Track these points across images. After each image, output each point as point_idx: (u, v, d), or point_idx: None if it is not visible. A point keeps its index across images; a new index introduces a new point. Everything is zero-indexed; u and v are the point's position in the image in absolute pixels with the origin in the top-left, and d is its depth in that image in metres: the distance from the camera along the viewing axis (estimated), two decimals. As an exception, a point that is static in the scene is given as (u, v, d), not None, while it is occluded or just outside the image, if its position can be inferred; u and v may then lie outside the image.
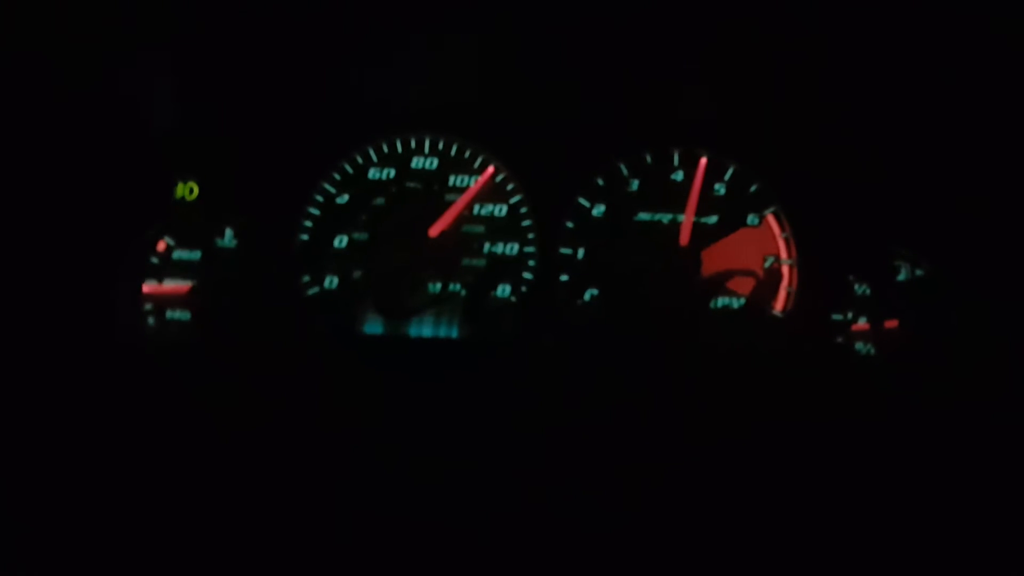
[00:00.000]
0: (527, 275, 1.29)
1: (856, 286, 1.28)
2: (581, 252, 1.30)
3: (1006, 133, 1.22)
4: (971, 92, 1.21)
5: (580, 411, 1.16)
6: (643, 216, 1.31)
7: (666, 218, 1.30)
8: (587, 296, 1.29)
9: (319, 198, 1.30)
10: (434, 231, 1.29)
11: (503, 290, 1.29)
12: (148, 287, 1.27)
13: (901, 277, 1.28)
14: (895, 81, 1.21)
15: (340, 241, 1.29)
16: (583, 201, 1.31)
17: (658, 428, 1.15)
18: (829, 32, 1.18)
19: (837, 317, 1.27)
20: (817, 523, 1.05)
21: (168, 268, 1.28)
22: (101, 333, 1.22)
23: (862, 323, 1.27)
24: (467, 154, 1.32)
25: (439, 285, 1.28)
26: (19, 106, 1.15)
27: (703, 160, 1.30)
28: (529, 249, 1.30)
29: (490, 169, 1.31)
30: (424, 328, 1.26)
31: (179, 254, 1.28)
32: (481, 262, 1.29)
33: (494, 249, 1.30)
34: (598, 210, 1.31)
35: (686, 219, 1.29)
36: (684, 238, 1.29)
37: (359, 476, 1.07)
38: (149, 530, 1.01)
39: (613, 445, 1.13)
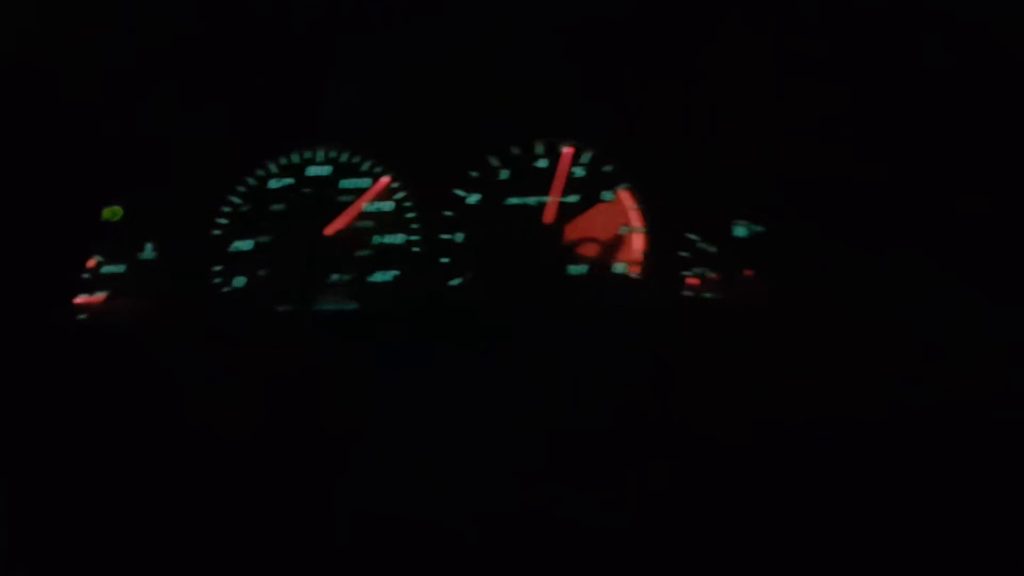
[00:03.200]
0: (411, 261, 1.47)
1: (701, 245, 1.44)
2: (460, 237, 1.48)
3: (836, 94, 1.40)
4: (798, 57, 1.39)
5: (462, 374, 1.31)
6: (513, 201, 1.48)
7: (533, 201, 1.48)
8: (466, 274, 1.46)
9: (226, 209, 1.48)
10: (330, 230, 1.47)
11: (387, 275, 1.46)
12: (81, 299, 1.45)
13: (742, 234, 1.45)
14: (725, 59, 1.41)
15: (246, 245, 1.47)
16: (459, 192, 1.49)
17: (522, 386, 1.29)
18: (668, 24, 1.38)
19: (686, 274, 1.43)
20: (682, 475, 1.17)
21: (98, 282, 1.45)
22: (38, 345, 1.39)
23: (710, 277, 1.43)
24: (355, 161, 1.51)
25: (336, 276, 1.45)
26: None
27: (567, 150, 1.48)
28: (414, 238, 1.48)
29: (386, 179, 1.49)
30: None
31: (107, 268, 1.46)
32: (370, 252, 1.47)
33: (383, 240, 1.48)
34: (473, 199, 1.49)
35: (551, 200, 1.47)
36: (549, 217, 1.46)
37: (290, 460, 1.22)
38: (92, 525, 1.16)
39: (489, 411, 1.27)
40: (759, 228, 1.45)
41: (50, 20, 1.31)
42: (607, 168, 1.49)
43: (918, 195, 1.35)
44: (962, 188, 1.31)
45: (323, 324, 1.42)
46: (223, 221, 1.48)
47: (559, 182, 1.47)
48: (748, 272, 1.43)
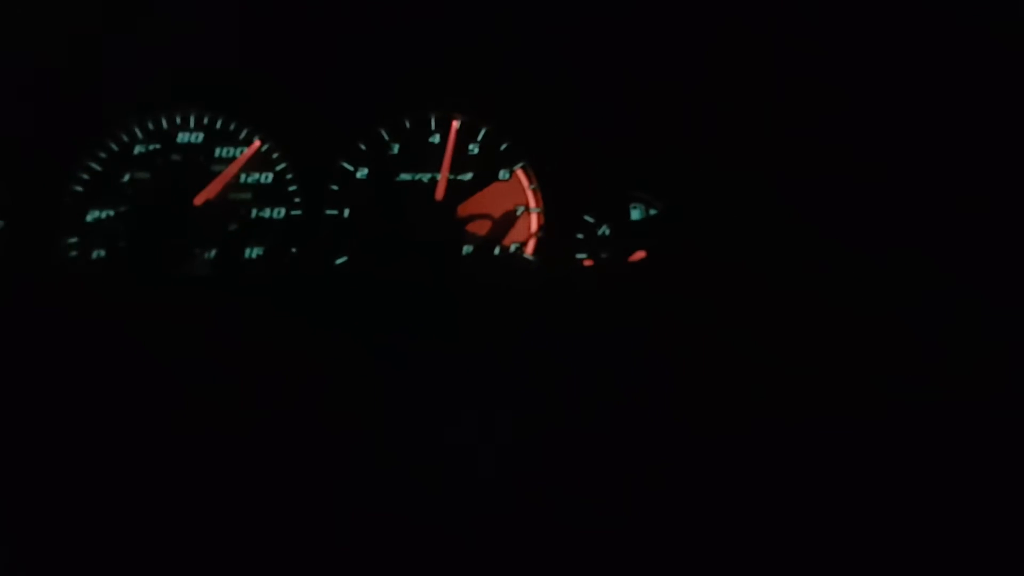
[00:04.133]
0: (292, 235, 1.37)
1: (598, 228, 1.41)
2: (347, 212, 1.39)
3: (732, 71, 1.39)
4: (699, 41, 1.37)
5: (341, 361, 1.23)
6: (404, 176, 1.41)
7: (425, 177, 1.41)
8: (353, 252, 1.37)
9: (83, 175, 1.33)
10: (199, 200, 1.35)
11: (254, 252, 1.35)
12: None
13: (637, 216, 1.42)
14: (621, 36, 1.37)
15: (105, 214, 1.33)
16: (347, 165, 1.40)
17: (410, 368, 1.23)
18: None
19: (581, 255, 1.40)
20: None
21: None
22: None
23: (605, 258, 1.40)
24: (232, 127, 1.39)
25: (211, 252, 1.34)
26: None
27: (455, 123, 1.41)
28: (296, 212, 1.38)
29: (256, 143, 1.38)
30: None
31: (-55, 238, 1.30)
32: (244, 226, 1.36)
33: (261, 214, 1.37)
34: (361, 173, 1.40)
35: (442, 176, 1.40)
36: (440, 194, 1.39)
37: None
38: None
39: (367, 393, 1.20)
40: (654, 211, 1.43)
41: None
42: (503, 145, 1.43)
43: (817, 172, 1.36)
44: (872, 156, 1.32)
45: (187, 294, 1.30)
46: (78, 188, 1.33)
47: (448, 157, 1.40)
48: (640, 254, 1.41)
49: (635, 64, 1.42)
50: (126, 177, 1.35)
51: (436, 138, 1.43)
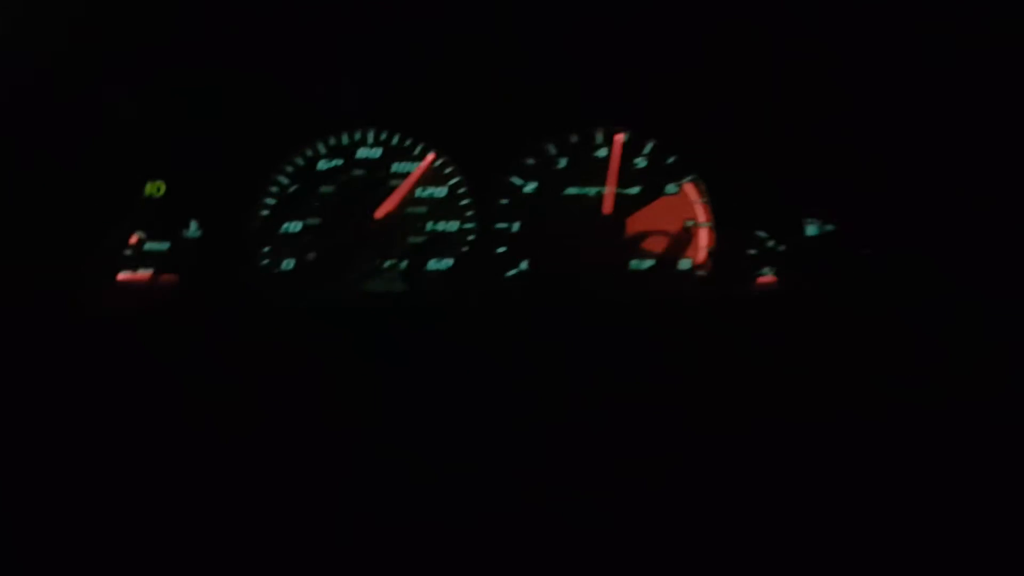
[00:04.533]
0: (465, 249, 1.41)
1: (769, 243, 1.38)
2: (516, 226, 1.42)
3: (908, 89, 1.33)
4: (874, 57, 1.32)
5: (513, 373, 1.26)
6: (571, 190, 1.42)
7: (592, 191, 1.42)
8: (522, 265, 1.40)
9: (274, 189, 1.42)
10: (379, 213, 1.41)
11: (442, 263, 1.40)
12: (123, 276, 1.40)
13: (811, 233, 1.39)
14: (794, 46, 1.34)
15: (294, 226, 1.42)
16: (515, 179, 1.43)
17: (583, 385, 1.24)
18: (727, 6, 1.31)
19: (751, 272, 1.37)
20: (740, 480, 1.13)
21: (141, 258, 1.40)
22: (76, 321, 1.34)
23: (776, 275, 1.37)
24: (408, 143, 1.45)
25: (389, 262, 1.40)
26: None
27: (618, 137, 1.42)
28: (468, 225, 1.42)
29: (431, 156, 1.43)
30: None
31: (150, 245, 1.41)
32: (422, 239, 1.41)
33: (436, 227, 1.42)
34: (530, 187, 1.43)
35: (608, 190, 1.40)
36: (607, 207, 1.40)
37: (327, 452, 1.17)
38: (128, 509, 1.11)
39: (545, 402, 1.23)
40: (830, 227, 1.39)
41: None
42: (671, 159, 1.43)
43: (1000, 200, 1.29)
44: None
45: (373, 310, 1.37)
46: (270, 201, 1.42)
47: (614, 171, 1.41)
48: (815, 273, 1.37)
49: (806, 76, 1.38)
50: (312, 191, 1.42)
51: (603, 152, 1.43)
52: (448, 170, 1.44)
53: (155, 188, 1.43)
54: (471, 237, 1.41)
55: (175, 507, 1.10)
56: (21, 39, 1.26)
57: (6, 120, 1.29)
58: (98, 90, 1.38)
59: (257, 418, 1.22)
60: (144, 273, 1.40)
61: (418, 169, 1.42)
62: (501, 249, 1.41)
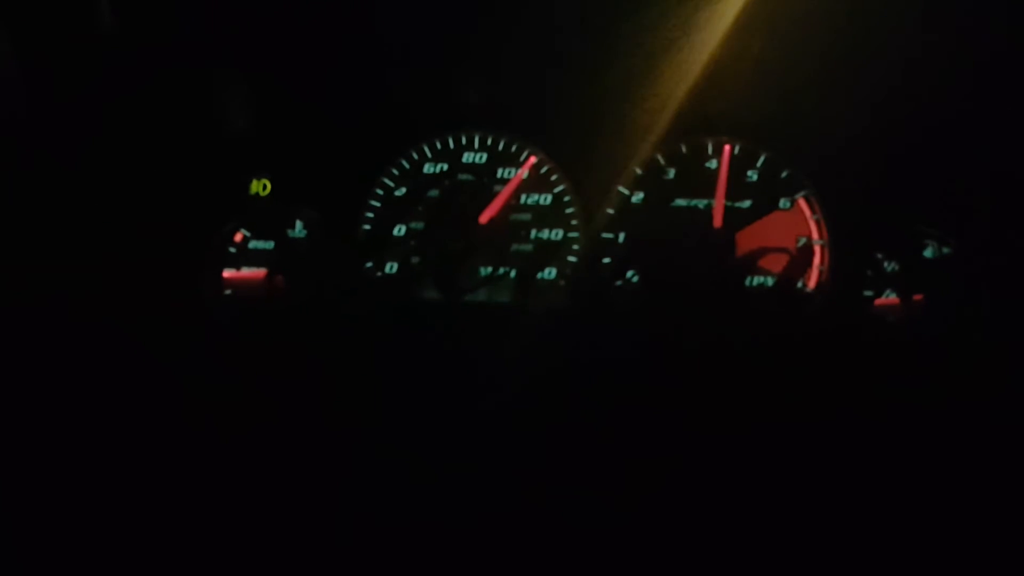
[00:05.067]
0: (572, 258, 1.39)
1: (885, 264, 1.34)
2: (622, 236, 1.39)
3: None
4: (999, 74, 1.27)
5: (619, 383, 1.24)
6: (679, 202, 1.39)
7: (701, 203, 1.39)
8: (629, 276, 1.38)
9: (379, 191, 1.42)
10: (484, 218, 1.40)
11: (550, 272, 1.39)
12: (228, 273, 1.40)
13: (928, 255, 1.34)
14: (918, 68, 1.29)
15: (399, 230, 1.41)
16: (623, 189, 1.40)
17: (694, 403, 1.22)
18: (850, 24, 1.27)
19: (867, 293, 1.33)
20: (846, 508, 1.11)
21: (245, 257, 1.41)
22: (188, 315, 1.35)
23: (891, 297, 1.33)
24: (514, 148, 1.43)
25: (490, 268, 1.38)
26: (104, 113, 1.29)
27: (727, 147, 1.39)
28: (573, 234, 1.40)
29: (532, 159, 1.41)
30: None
31: (255, 244, 1.41)
32: (528, 247, 1.39)
33: (540, 235, 1.40)
34: (637, 197, 1.40)
35: (717, 203, 1.37)
36: (717, 220, 1.37)
37: (420, 450, 1.16)
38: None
39: (655, 418, 1.21)
40: (947, 250, 1.34)
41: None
42: (784, 173, 1.39)
43: None
44: None
45: (478, 317, 1.36)
46: (376, 204, 1.41)
47: (722, 183, 1.38)
48: (922, 296, 1.32)
49: (926, 91, 1.33)
50: (417, 195, 1.41)
51: (713, 163, 1.40)
52: (554, 177, 1.42)
53: (261, 186, 1.43)
54: (576, 247, 1.39)
55: (230, 503, 1.11)
56: (128, 33, 1.26)
57: (112, 114, 1.30)
58: (207, 87, 1.39)
59: (358, 418, 1.22)
60: (248, 272, 1.41)
61: (519, 172, 1.40)
62: (606, 260, 1.38)
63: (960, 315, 1.31)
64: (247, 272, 1.41)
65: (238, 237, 1.42)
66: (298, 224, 1.42)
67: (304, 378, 1.26)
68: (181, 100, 1.37)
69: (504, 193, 1.40)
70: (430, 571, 1.05)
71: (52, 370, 1.19)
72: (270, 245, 1.41)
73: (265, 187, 1.43)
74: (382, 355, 1.30)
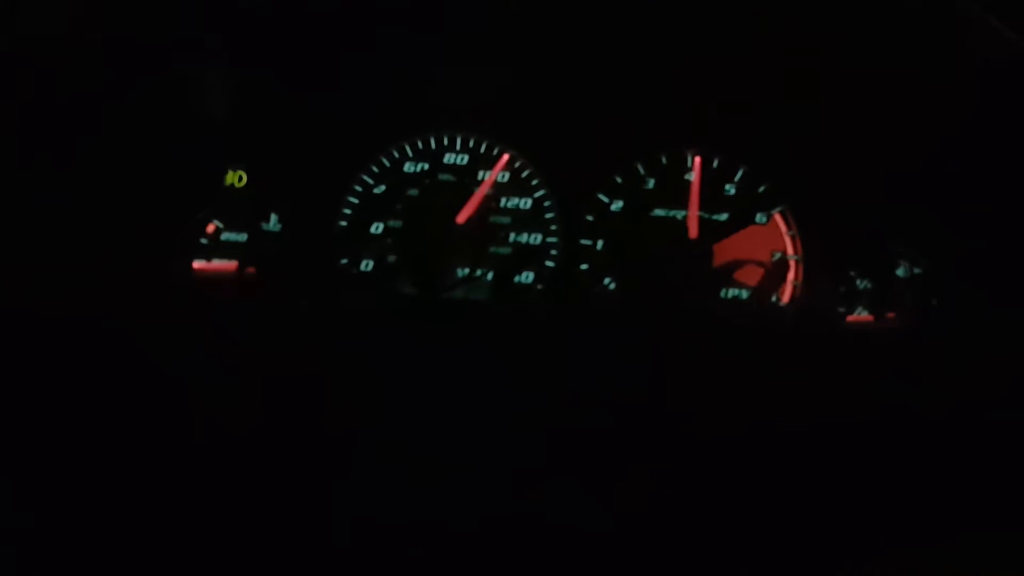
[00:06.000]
0: (550, 264, 1.38)
1: (858, 281, 1.36)
2: (600, 243, 1.39)
3: (1008, 133, 1.30)
4: (973, 93, 1.30)
5: (594, 392, 1.23)
6: (658, 212, 1.40)
7: (680, 214, 1.40)
8: (606, 283, 1.37)
9: (358, 188, 1.40)
10: (461, 218, 1.39)
11: (528, 276, 1.38)
12: (198, 264, 1.37)
13: (900, 273, 1.36)
14: (896, 85, 1.31)
15: (376, 227, 1.39)
16: (602, 196, 1.40)
17: (668, 411, 1.22)
18: (833, 39, 1.29)
19: (840, 309, 1.35)
20: (819, 514, 1.11)
21: (217, 248, 1.38)
22: (154, 304, 1.31)
23: (863, 314, 1.34)
24: (496, 151, 1.42)
25: (467, 270, 1.37)
26: (75, 97, 1.25)
27: (697, 159, 1.40)
28: (552, 239, 1.39)
29: (505, 157, 1.40)
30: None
31: (227, 236, 1.39)
32: (507, 250, 1.39)
33: (519, 238, 1.39)
34: (616, 205, 1.40)
35: (691, 213, 1.38)
36: (692, 231, 1.38)
37: (392, 450, 1.14)
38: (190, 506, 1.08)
39: (626, 426, 1.20)
40: (919, 270, 1.36)
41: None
42: (761, 188, 1.40)
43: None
44: None
45: (454, 313, 1.34)
46: (354, 200, 1.39)
47: (695, 194, 1.38)
48: (893, 314, 1.34)
49: (904, 114, 1.35)
50: (396, 193, 1.40)
51: (692, 175, 1.41)
52: (534, 181, 1.41)
53: (236, 177, 1.40)
54: (554, 251, 1.39)
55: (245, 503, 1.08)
56: (100, 26, 1.23)
57: (86, 102, 1.27)
58: (184, 77, 1.36)
59: (326, 414, 1.19)
60: (219, 263, 1.38)
61: (494, 171, 1.39)
62: (584, 266, 1.38)
63: (930, 332, 1.33)
64: (218, 264, 1.38)
65: (210, 228, 1.39)
66: (273, 217, 1.39)
67: (274, 373, 1.23)
68: (157, 87, 1.34)
69: (481, 190, 1.39)
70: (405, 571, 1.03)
71: (17, 363, 1.15)
72: (243, 237, 1.39)
73: (241, 178, 1.40)
74: (356, 350, 1.27)
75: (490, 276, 1.37)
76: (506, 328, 1.29)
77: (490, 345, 1.23)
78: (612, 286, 1.38)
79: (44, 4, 1.14)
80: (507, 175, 1.42)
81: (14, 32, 1.14)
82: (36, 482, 1.07)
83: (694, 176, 1.39)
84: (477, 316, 1.35)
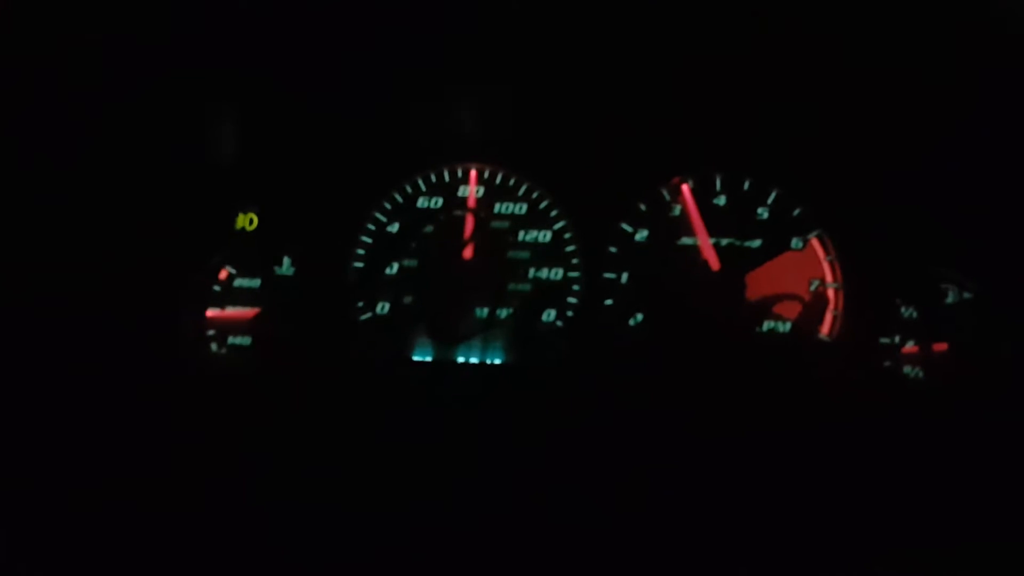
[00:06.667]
0: (572, 300, 1.32)
1: (903, 309, 1.27)
2: (625, 277, 1.32)
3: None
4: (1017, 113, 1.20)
5: (625, 437, 1.17)
6: (686, 240, 1.33)
7: (711, 242, 1.32)
8: (633, 321, 1.31)
9: (371, 227, 1.35)
10: (478, 255, 1.33)
11: (549, 315, 1.32)
12: (211, 312, 1.34)
13: (949, 300, 1.27)
14: (938, 104, 1.21)
15: (391, 268, 1.34)
16: (626, 226, 1.33)
17: (706, 453, 1.16)
18: (869, 56, 1.19)
19: (884, 340, 1.26)
20: (860, 548, 1.05)
21: (230, 295, 1.34)
22: (165, 358, 1.28)
23: (910, 346, 1.26)
24: (511, 182, 1.36)
25: (486, 310, 1.32)
26: (87, 137, 1.22)
27: (685, 186, 1.32)
28: (574, 274, 1.33)
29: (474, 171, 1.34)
30: (472, 354, 1.30)
31: (240, 282, 1.35)
32: (527, 287, 1.33)
33: (539, 274, 1.33)
34: (641, 235, 1.33)
35: (701, 242, 1.31)
36: (713, 263, 1.30)
37: (405, 501, 1.10)
38: (201, 548, 1.06)
39: (658, 470, 1.14)
40: (968, 295, 1.27)
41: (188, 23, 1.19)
42: (796, 211, 1.32)
43: None
44: None
45: (468, 380, 1.29)
46: (367, 240, 1.35)
47: (696, 220, 1.31)
48: (942, 346, 1.25)
49: (947, 129, 1.25)
50: (410, 231, 1.34)
51: (722, 200, 1.33)
52: (554, 212, 1.35)
53: (247, 220, 1.36)
54: (576, 287, 1.32)
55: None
56: (105, 64, 1.19)
57: (95, 145, 1.24)
58: (194, 113, 1.32)
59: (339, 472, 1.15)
60: (233, 311, 1.34)
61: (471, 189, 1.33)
62: (609, 302, 1.31)
63: (981, 364, 1.24)
64: (232, 311, 1.34)
65: (223, 274, 1.35)
66: (286, 261, 1.35)
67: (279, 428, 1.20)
68: (165, 127, 1.30)
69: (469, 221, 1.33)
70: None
71: (27, 422, 1.13)
72: (256, 283, 1.35)
73: (252, 221, 1.36)
74: (372, 412, 1.23)
75: (510, 317, 1.31)
76: (524, 394, 1.23)
77: (506, 411, 1.18)
78: (640, 324, 1.31)
79: (45, 44, 1.11)
80: (524, 206, 1.36)
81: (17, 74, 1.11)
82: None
83: (687, 202, 1.31)
84: (492, 380, 1.29)
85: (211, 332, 1.34)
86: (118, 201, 1.27)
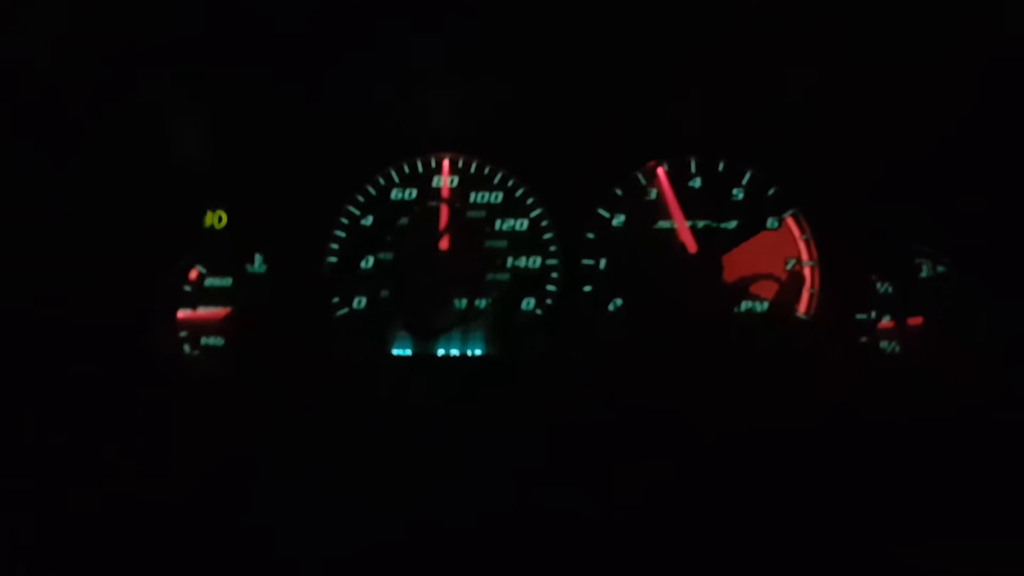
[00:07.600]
0: (551, 288, 1.31)
1: (878, 285, 1.28)
2: (603, 262, 1.32)
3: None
4: (990, 91, 1.21)
5: (609, 423, 1.17)
6: (663, 224, 1.32)
7: (687, 225, 1.32)
8: (612, 306, 1.30)
9: (344, 221, 1.32)
10: (455, 246, 1.31)
11: (528, 304, 1.31)
12: (183, 314, 1.30)
13: (923, 274, 1.29)
14: (911, 79, 1.22)
15: (367, 262, 1.32)
16: (603, 212, 1.33)
17: (687, 435, 1.15)
18: (841, 31, 1.19)
19: (861, 316, 1.27)
20: (837, 524, 1.05)
21: (201, 295, 1.31)
22: (137, 360, 1.25)
23: (886, 321, 1.27)
24: (486, 171, 1.34)
25: (464, 301, 1.30)
26: (50, 137, 1.18)
27: (660, 170, 1.32)
28: (552, 262, 1.32)
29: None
30: (452, 346, 1.29)
31: (211, 281, 1.32)
32: (505, 277, 1.31)
33: (517, 263, 1.32)
34: (618, 220, 1.33)
35: (678, 225, 1.30)
36: (690, 246, 1.30)
37: (386, 496, 1.08)
38: (180, 553, 1.03)
39: (643, 455, 1.14)
40: (942, 269, 1.28)
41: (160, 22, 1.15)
42: (771, 190, 1.32)
43: None
44: None
45: (448, 373, 1.27)
46: (341, 234, 1.32)
47: (672, 204, 1.31)
48: (918, 320, 1.27)
49: (917, 102, 1.26)
50: (384, 224, 1.32)
51: (697, 182, 1.33)
52: (530, 201, 1.34)
53: (216, 218, 1.33)
54: (555, 275, 1.31)
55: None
56: (80, 62, 1.15)
57: (57, 146, 1.19)
58: (158, 111, 1.28)
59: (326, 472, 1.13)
60: (205, 311, 1.31)
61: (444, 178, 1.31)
62: (588, 288, 1.31)
63: (957, 338, 1.26)
64: (204, 312, 1.31)
65: (193, 274, 1.32)
66: (258, 258, 1.32)
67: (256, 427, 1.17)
68: (129, 123, 1.26)
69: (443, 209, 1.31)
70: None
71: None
72: (228, 282, 1.32)
73: (221, 219, 1.33)
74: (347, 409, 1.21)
75: (489, 307, 1.29)
76: (505, 384, 1.22)
77: (489, 403, 1.17)
78: (619, 309, 1.30)
79: (18, 42, 1.07)
80: (500, 195, 1.34)
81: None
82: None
83: (662, 186, 1.31)
84: (473, 372, 1.27)
85: (183, 334, 1.30)
86: (81, 204, 1.22)
